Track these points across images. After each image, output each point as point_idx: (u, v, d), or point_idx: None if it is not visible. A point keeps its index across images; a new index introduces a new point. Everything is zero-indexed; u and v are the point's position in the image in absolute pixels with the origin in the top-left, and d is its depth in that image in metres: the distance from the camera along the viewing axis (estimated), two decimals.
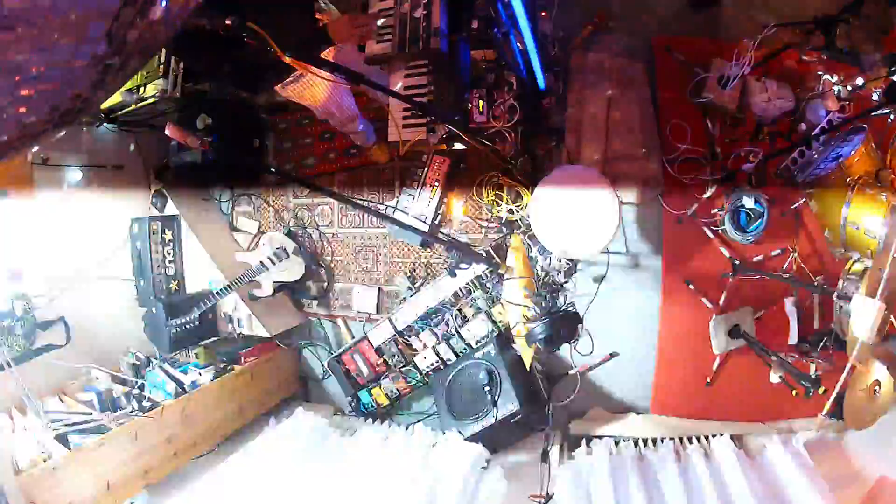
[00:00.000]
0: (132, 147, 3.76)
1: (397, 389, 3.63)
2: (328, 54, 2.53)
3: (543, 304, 2.36)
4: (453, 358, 3.43)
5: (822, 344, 2.81)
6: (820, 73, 2.88)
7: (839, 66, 2.85)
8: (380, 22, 2.60)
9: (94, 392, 3.09)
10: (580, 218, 2.60)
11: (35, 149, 3.10)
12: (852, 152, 2.52)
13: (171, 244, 3.80)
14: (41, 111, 0.80)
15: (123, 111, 3.57)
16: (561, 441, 3.17)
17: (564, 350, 3.29)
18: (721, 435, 2.85)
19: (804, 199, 2.91)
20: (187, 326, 3.34)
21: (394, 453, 3.15)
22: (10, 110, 0.73)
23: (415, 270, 3.78)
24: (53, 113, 0.83)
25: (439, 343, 3.45)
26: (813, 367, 2.82)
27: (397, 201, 3.61)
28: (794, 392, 2.74)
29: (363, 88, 2.50)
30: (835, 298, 2.60)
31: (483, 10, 2.47)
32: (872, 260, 2.34)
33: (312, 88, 2.61)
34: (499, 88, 3.07)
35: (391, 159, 3.78)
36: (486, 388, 3.07)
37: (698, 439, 2.94)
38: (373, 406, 3.72)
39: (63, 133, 0.94)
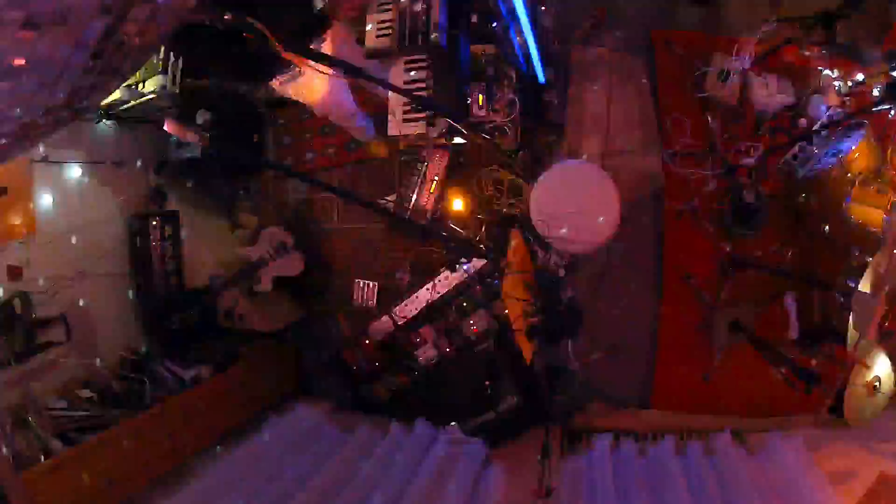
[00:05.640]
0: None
1: (397, 384, 3.63)
2: (326, 48, 2.52)
3: (544, 299, 2.35)
4: (453, 353, 3.43)
5: (822, 339, 2.81)
6: (820, 68, 2.88)
7: (840, 62, 2.84)
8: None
9: (94, 389, 3.10)
10: (581, 212, 2.59)
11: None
12: (852, 148, 2.52)
13: (171, 240, 3.79)
14: (41, 111, 0.80)
15: (123, 107, 3.56)
16: (561, 435, 3.17)
17: (565, 344, 3.35)
18: (721, 430, 2.85)
19: (804, 195, 2.91)
20: (187, 322, 3.33)
21: (393, 448, 3.16)
22: (9, 112, 0.73)
23: (415, 265, 3.77)
24: (53, 113, 0.82)
25: (439, 338, 3.46)
26: (813, 362, 2.82)
27: (397, 196, 3.60)
28: (794, 387, 2.74)
29: (362, 83, 2.50)
30: (835, 294, 2.60)
31: (483, 4, 2.46)
32: (872, 255, 2.34)
33: (310, 86, 2.60)
34: (499, 82, 3.06)
35: (391, 154, 3.77)
36: (487, 383, 3.07)
37: (699, 434, 2.95)
38: (373, 401, 3.72)
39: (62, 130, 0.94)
